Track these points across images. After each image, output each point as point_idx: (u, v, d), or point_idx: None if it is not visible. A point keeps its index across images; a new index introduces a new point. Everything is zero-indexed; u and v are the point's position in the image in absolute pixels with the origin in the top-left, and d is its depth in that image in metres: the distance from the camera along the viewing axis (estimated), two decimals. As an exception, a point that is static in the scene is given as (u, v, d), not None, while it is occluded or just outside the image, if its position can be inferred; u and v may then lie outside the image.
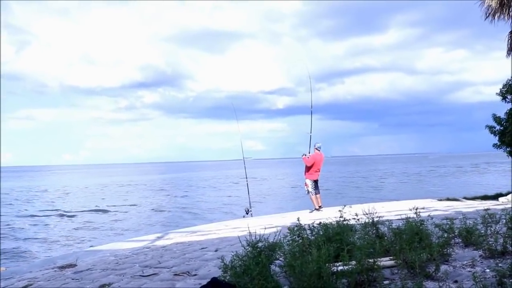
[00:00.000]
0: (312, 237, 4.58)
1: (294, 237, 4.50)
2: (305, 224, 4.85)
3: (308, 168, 13.01)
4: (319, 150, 13.15)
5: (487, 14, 15.18)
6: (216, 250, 6.67)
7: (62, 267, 6.73)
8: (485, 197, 15.12)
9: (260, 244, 3.90)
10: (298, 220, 4.79)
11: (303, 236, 4.59)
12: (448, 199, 14.44)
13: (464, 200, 14.29)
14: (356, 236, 4.69)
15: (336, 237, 4.37)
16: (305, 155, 13.19)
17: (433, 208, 10.09)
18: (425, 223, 4.85)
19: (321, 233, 4.52)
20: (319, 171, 13.22)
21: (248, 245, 3.89)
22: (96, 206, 29.72)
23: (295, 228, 4.62)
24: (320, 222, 4.92)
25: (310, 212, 12.56)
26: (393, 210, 10.28)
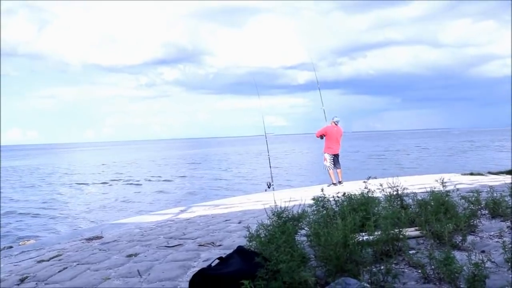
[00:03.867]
0: (337, 208, 4.57)
1: (318, 207, 4.49)
2: (329, 195, 4.83)
3: (326, 142, 12.95)
4: (336, 124, 13.06)
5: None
6: (239, 222, 6.73)
7: (89, 239, 6.89)
8: (510, 172, 14.86)
9: (285, 214, 3.91)
10: (322, 191, 4.78)
11: (328, 206, 4.58)
12: (472, 174, 14.24)
13: (488, 174, 14.07)
14: (381, 207, 4.67)
15: (361, 208, 4.35)
16: None
17: (458, 181, 9.96)
18: (450, 194, 4.79)
19: (346, 204, 4.51)
20: (339, 145, 13.13)
21: (274, 214, 3.90)
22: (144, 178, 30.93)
23: (320, 199, 4.61)
24: (344, 193, 4.90)
25: (328, 186, 12.54)
26: (416, 184, 10.17)
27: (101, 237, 6.96)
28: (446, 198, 4.61)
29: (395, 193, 5.07)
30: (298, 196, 9.44)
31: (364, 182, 5.04)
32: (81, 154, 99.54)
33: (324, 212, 4.51)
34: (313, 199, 4.65)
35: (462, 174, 14.18)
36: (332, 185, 12.63)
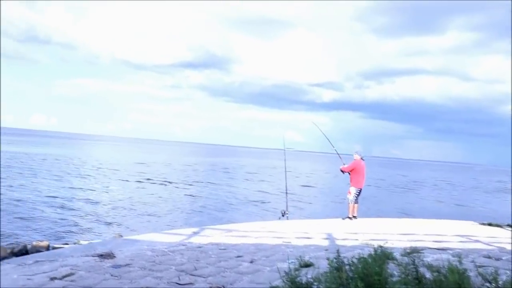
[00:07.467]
0: (351, 273, 4.54)
1: (332, 270, 4.47)
2: (343, 257, 4.79)
3: (354, 176, 12.93)
4: (363, 159, 13.08)
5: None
6: (251, 262, 6.73)
7: (101, 256, 6.99)
8: (531, 228, 14.48)
9: (298, 279, 3.91)
10: (338, 252, 4.75)
11: (342, 270, 4.55)
12: (490, 224, 13.94)
13: (508, 228, 13.75)
14: (395, 278, 4.62)
15: (374, 278, 4.31)
16: (344, 164, 13.20)
17: (475, 237, 9.78)
18: (467, 271, 4.70)
19: (360, 270, 4.47)
20: (364, 179, 13.16)
21: (287, 278, 3.90)
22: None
23: (334, 261, 4.59)
24: (360, 257, 4.86)
25: (342, 219, 12.62)
26: (432, 234, 10.03)
27: (114, 256, 7.05)
28: (463, 277, 4.52)
29: (411, 263, 4.99)
30: (311, 231, 9.42)
31: (381, 246, 4.99)
32: (111, 148, 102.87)
33: (337, 274, 4.48)
34: (328, 260, 4.63)
35: (480, 224, 13.90)
36: (347, 218, 12.67)
